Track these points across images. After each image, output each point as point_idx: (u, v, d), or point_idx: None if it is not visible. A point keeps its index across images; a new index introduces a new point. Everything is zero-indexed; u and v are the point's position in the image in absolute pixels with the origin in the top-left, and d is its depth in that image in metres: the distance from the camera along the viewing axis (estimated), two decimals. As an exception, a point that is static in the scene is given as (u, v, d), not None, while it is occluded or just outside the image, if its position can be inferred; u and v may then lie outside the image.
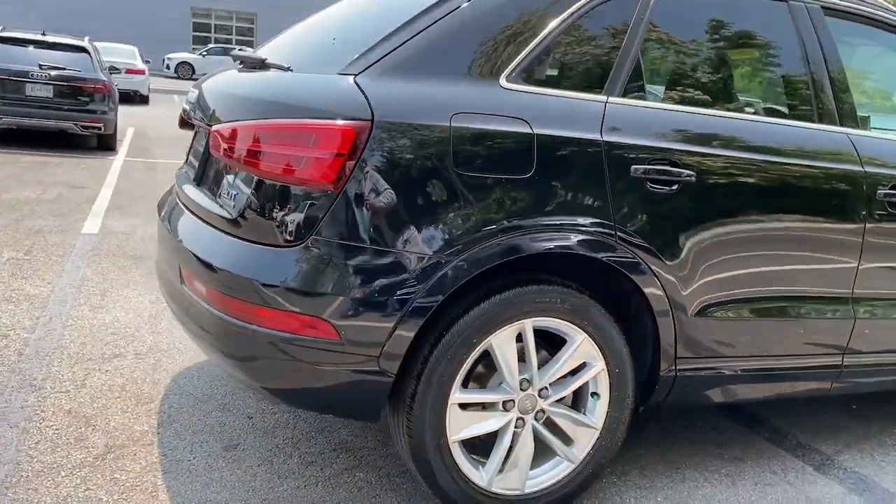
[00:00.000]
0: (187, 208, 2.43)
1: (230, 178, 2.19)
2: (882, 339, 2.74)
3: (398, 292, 1.96)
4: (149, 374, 3.18)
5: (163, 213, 2.65)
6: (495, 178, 2.03)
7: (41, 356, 3.26)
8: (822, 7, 2.65)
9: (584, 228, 2.12)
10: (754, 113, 2.55)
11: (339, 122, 1.92)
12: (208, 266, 2.09)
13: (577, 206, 2.12)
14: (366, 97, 1.96)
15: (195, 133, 2.74)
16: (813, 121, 2.57)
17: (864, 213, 2.55)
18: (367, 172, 1.93)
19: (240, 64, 2.56)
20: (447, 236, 1.99)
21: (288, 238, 1.97)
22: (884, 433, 3.18)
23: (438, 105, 2.01)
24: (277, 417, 2.86)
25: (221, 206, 2.18)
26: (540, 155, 2.07)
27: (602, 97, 2.22)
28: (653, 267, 2.22)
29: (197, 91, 2.56)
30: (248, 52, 2.62)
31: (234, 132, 2.09)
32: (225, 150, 2.11)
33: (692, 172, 2.25)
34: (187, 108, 2.72)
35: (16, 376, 3.03)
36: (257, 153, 2.01)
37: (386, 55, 2.04)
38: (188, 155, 2.78)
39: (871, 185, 2.57)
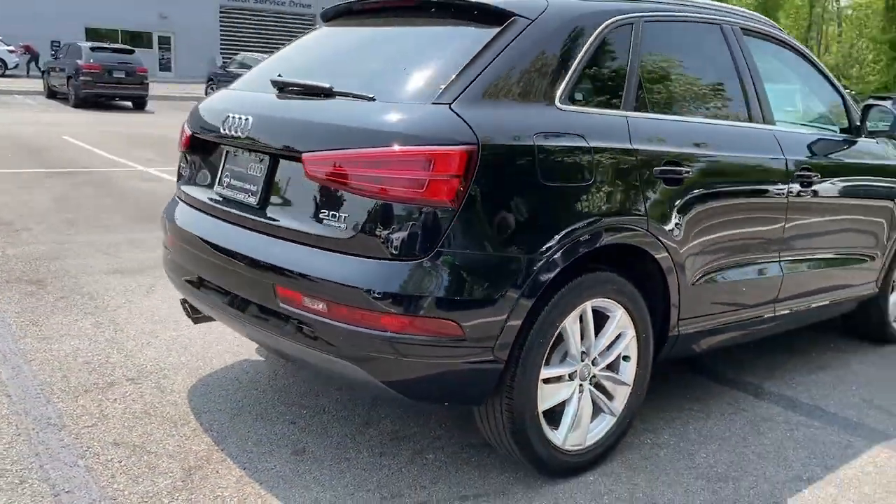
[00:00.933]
0: (259, 232, 2.54)
1: (332, 199, 2.35)
2: (798, 289, 3.51)
3: (510, 290, 2.29)
4: (159, 397, 3.18)
5: (193, 245, 2.75)
6: (569, 187, 2.43)
7: (32, 395, 3.13)
8: (742, 28, 3.32)
9: (632, 222, 2.59)
10: (714, 118, 3.15)
11: (455, 147, 2.20)
12: (328, 283, 2.27)
13: (625, 203, 2.57)
14: (468, 124, 2.25)
15: (226, 155, 2.81)
16: (752, 121, 3.23)
17: (787, 191, 3.26)
18: (479, 190, 2.23)
19: (283, 89, 2.69)
20: (542, 238, 2.35)
21: (415, 252, 2.21)
22: (795, 364, 4.00)
23: (522, 127, 2.35)
24: (318, 419, 3.04)
25: (325, 226, 2.34)
26: (596, 164, 2.50)
27: (623, 112, 2.68)
28: (667, 245, 2.74)
29: (243, 117, 2.64)
30: (289, 78, 2.72)
31: (343, 159, 2.27)
32: (331, 175, 2.29)
33: (688, 170, 2.80)
34: (207, 128, 2.80)
35: (26, 418, 2.91)
36: (376, 178, 2.23)
37: (468, 86, 2.34)
38: (218, 178, 2.83)
39: (790, 169, 3.29)
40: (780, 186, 3.23)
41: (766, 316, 3.39)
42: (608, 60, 2.72)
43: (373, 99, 2.41)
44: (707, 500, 2.60)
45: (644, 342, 2.80)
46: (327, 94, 2.52)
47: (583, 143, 2.48)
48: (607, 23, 2.71)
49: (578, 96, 2.59)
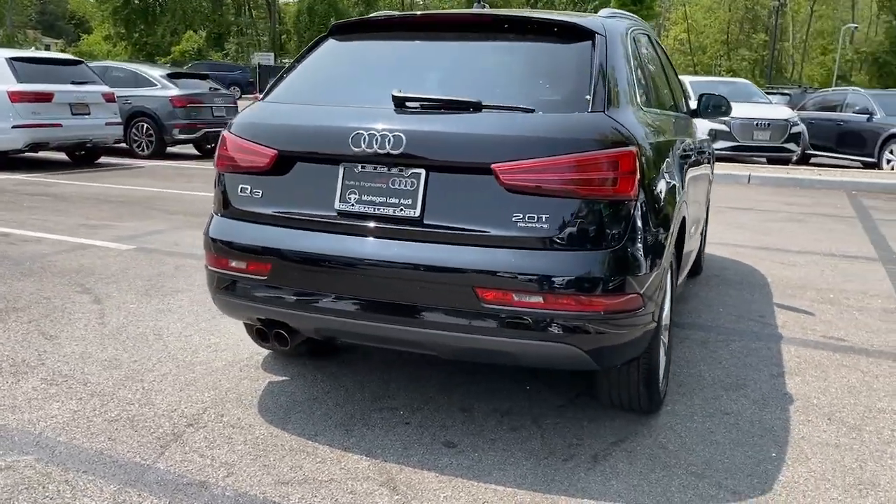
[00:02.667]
0: (430, 241, 2.67)
1: (526, 203, 2.60)
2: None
3: (665, 260, 2.83)
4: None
5: (319, 264, 2.78)
6: (671, 173, 3.03)
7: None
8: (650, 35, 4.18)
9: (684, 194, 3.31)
10: (669, 108, 3.96)
11: (629, 148, 2.65)
12: (543, 278, 2.56)
13: (682, 180, 3.25)
14: (626, 128, 2.71)
15: (344, 171, 2.80)
16: (680, 111, 4.11)
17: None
18: (644, 183, 2.72)
19: (403, 104, 2.79)
20: (672, 216, 2.92)
21: (612, 240, 2.62)
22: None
23: (647, 128, 2.87)
24: (418, 417, 3.21)
25: (522, 228, 2.59)
26: (673, 153, 3.13)
27: (656, 108, 3.35)
28: (687, 209, 3.49)
29: (388, 134, 2.69)
30: (423, 94, 2.80)
31: (540, 167, 2.57)
32: (528, 182, 2.57)
33: (677, 150, 3.56)
34: (314, 146, 2.79)
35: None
36: (572, 181, 2.57)
37: (606, 95, 2.79)
38: (339, 195, 2.80)
39: (697, 146, 4.27)
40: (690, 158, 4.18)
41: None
42: (640, 67, 3.34)
43: (533, 111, 2.71)
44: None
45: (674, 293, 3.52)
46: (476, 107, 2.73)
47: (666, 138, 3.09)
48: (631, 36, 3.33)
49: (641, 100, 3.17)
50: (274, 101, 3.15)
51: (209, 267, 3.11)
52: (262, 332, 3.08)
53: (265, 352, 3.87)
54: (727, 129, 14.48)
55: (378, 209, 2.76)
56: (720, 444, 3.01)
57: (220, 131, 14.26)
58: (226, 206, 3.06)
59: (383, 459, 2.81)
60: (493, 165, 2.61)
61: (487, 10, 3.32)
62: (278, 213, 2.92)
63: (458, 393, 3.42)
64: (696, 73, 53.45)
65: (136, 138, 13.71)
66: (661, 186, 2.94)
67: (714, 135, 14.65)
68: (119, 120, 12.52)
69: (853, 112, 14.97)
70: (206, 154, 14.64)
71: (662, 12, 57.77)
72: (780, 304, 5.07)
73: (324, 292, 2.84)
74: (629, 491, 2.64)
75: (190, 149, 14.62)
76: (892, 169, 13.67)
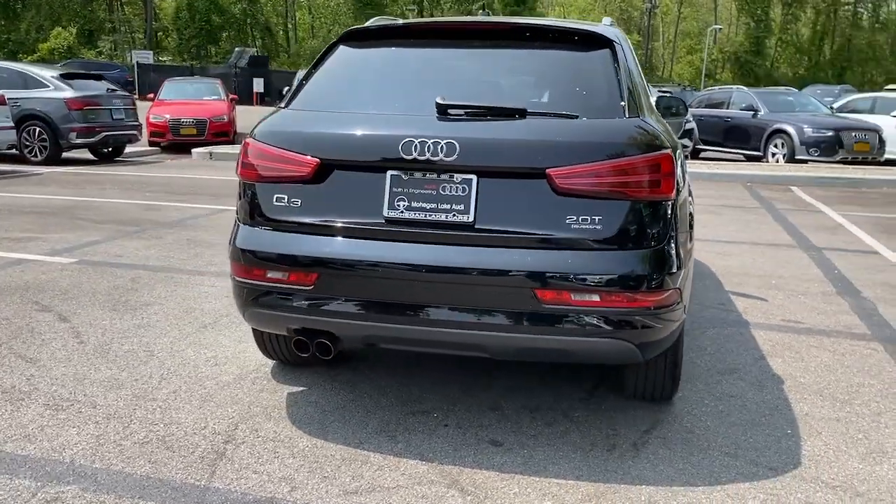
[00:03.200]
0: (485, 245, 2.73)
1: (579, 206, 2.70)
2: None
3: (691, 257, 3.01)
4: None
5: (372, 272, 2.79)
6: (684, 174, 3.22)
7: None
8: None
9: None
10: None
11: (666, 150, 2.81)
12: (602, 277, 2.68)
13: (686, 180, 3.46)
14: (658, 132, 2.87)
15: (391, 178, 2.81)
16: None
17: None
18: (678, 183, 2.88)
19: (445, 111, 2.83)
20: (691, 214, 3.11)
21: (660, 238, 2.77)
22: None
23: (665, 131, 3.04)
24: (453, 419, 3.26)
25: (577, 229, 2.69)
26: (680, 155, 3.32)
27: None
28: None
29: (439, 141, 2.73)
30: (467, 101, 2.84)
31: (592, 171, 2.68)
32: (582, 186, 2.68)
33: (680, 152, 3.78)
34: (359, 153, 2.80)
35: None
36: (623, 184, 2.70)
37: (636, 102, 2.94)
38: (388, 202, 2.81)
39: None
40: None
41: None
42: (641, 73, 3.52)
43: (577, 117, 2.82)
44: (745, 386, 3.69)
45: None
46: (521, 114, 2.82)
47: (675, 140, 3.28)
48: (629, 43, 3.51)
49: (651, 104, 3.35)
50: (301, 109, 3.11)
51: (238, 278, 3.04)
52: (302, 342, 3.04)
53: (269, 363, 3.80)
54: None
55: (429, 215, 2.79)
56: (738, 425, 3.23)
57: (122, 134, 13.57)
58: (257, 216, 3.00)
59: (439, 462, 2.85)
60: (548, 170, 2.70)
61: (507, 19, 3.40)
62: (321, 221, 2.89)
63: (481, 392, 3.49)
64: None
65: (28, 143, 12.84)
66: (683, 187, 3.12)
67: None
68: (11, 124, 11.72)
69: (739, 109, 16.02)
70: (104, 159, 13.93)
71: (545, 13, 59.46)
72: (734, 292, 5.43)
73: (374, 299, 2.84)
74: (680, 474, 2.80)
75: (85, 153, 13.84)
76: (777, 161, 14.74)
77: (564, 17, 65.55)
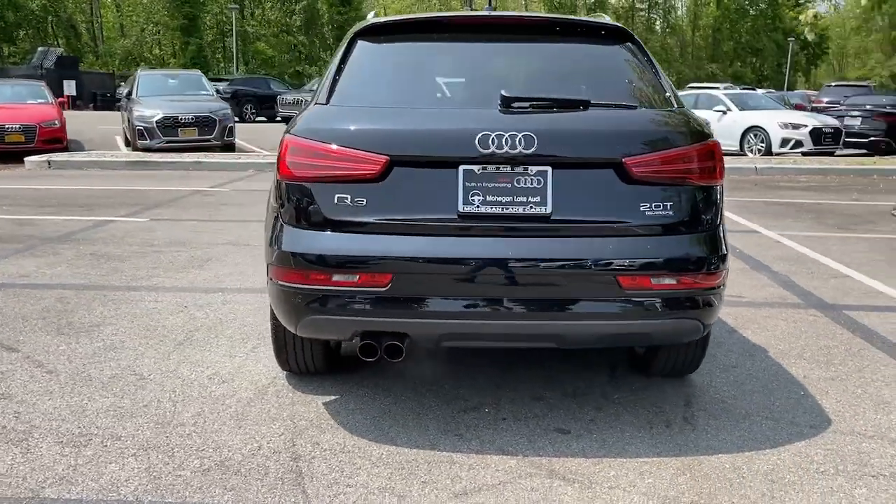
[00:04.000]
0: (564, 236, 2.77)
1: (650, 194, 2.80)
2: None
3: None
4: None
5: (451, 270, 2.75)
6: None
7: None
8: None
9: None
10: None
11: (715, 138, 2.99)
12: (678, 260, 2.80)
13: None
14: (705, 122, 3.05)
15: (464, 173, 2.76)
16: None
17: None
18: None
19: (510, 104, 2.83)
20: None
21: (718, 221, 2.94)
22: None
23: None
24: (506, 412, 3.27)
25: (649, 216, 2.80)
26: None
27: None
28: None
29: (516, 134, 2.73)
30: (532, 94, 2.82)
31: (664, 158, 2.81)
32: (654, 173, 2.80)
33: None
34: (430, 149, 2.74)
35: None
36: (688, 170, 2.85)
37: (672, 93, 3.10)
38: (462, 197, 2.76)
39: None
40: None
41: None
42: None
43: (636, 107, 2.93)
44: (737, 356, 3.99)
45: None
46: (584, 105, 2.88)
47: None
48: None
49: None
50: (350, 106, 2.98)
51: (292, 285, 2.85)
52: (370, 346, 2.91)
53: (280, 375, 3.59)
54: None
55: (506, 209, 2.78)
56: (757, 392, 3.49)
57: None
58: (313, 218, 2.83)
59: (523, 455, 2.85)
60: (624, 159, 2.78)
61: (534, 14, 3.44)
62: (391, 220, 2.79)
63: (515, 384, 3.51)
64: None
65: None
66: None
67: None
68: None
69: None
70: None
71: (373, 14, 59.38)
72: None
73: (451, 296, 2.79)
74: (742, 440, 2.99)
75: None
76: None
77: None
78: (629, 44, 3.24)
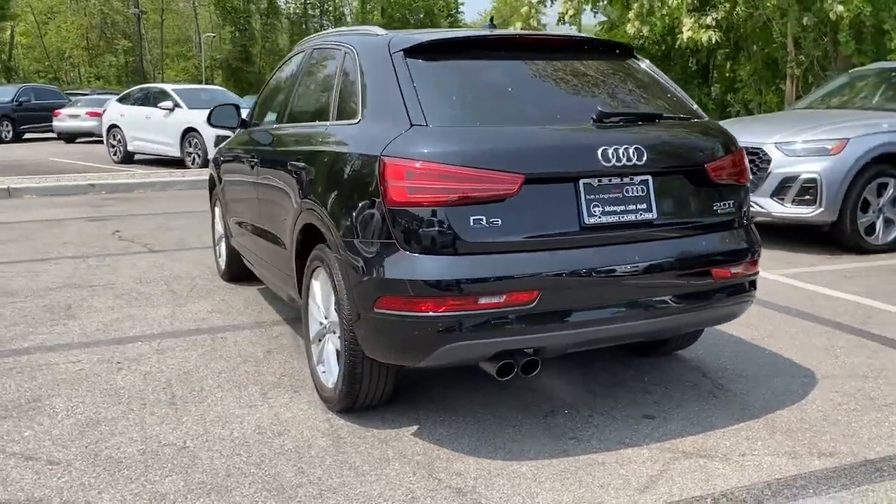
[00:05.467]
0: (667, 238, 3.05)
1: (718, 193, 3.18)
2: None
3: None
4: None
5: (585, 282, 2.89)
6: None
7: None
8: None
9: None
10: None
11: (739, 143, 3.48)
12: (744, 251, 3.23)
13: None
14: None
15: (584, 187, 2.89)
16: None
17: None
18: None
19: (602, 119, 3.03)
20: None
21: (748, 213, 3.41)
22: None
23: None
24: (582, 407, 3.44)
25: (719, 213, 3.17)
26: None
27: None
28: None
29: (629, 148, 2.94)
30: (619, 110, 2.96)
31: (730, 161, 3.21)
32: (726, 175, 3.19)
33: None
34: (557, 166, 2.86)
35: None
36: (743, 171, 3.29)
37: (696, 106, 3.54)
38: (585, 210, 2.87)
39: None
40: None
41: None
42: None
43: (691, 118, 3.29)
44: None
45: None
46: (658, 118, 3.18)
47: None
48: None
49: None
50: (461, 126, 2.96)
51: (432, 314, 2.74)
52: (508, 365, 2.88)
53: (330, 415, 3.34)
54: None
55: (621, 217, 2.97)
56: (770, 367, 3.90)
57: None
58: (448, 242, 2.75)
59: (644, 444, 3.06)
60: (706, 165, 3.13)
61: (555, 34, 3.60)
62: (528, 237, 2.83)
63: (553, 387, 3.67)
64: (54, 80, 50.57)
65: None
66: None
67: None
68: None
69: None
70: None
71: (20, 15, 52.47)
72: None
73: (586, 305, 2.90)
74: (794, 395, 3.52)
75: None
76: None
77: (37, 23, 58.98)
78: (643, 60, 3.60)
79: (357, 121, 3.24)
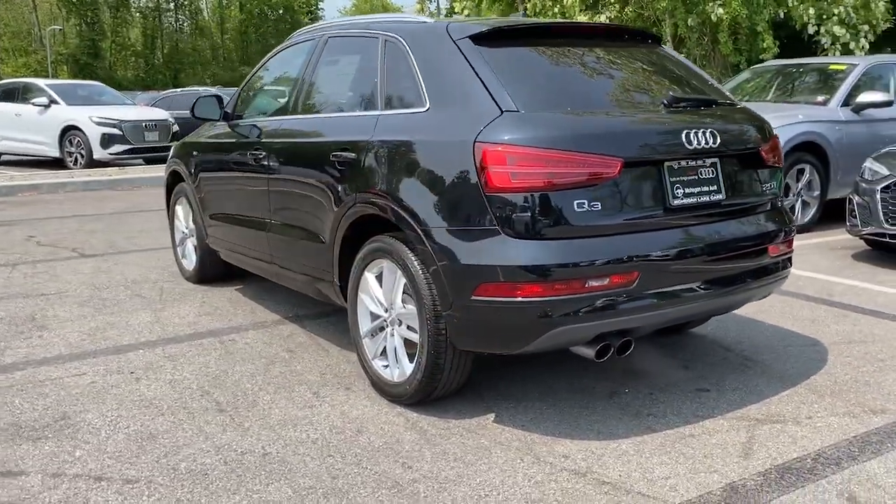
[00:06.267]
0: (735, 217, 3.21)
1: (762, 175, 3.36)
2: None
3: None
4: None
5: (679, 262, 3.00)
6: None
7: None
8: None
9: None
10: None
11: (766, 130, 3.71)
12: (788, 231, 3.45)
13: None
14: None
15: (667, 170, 2.97)
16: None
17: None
18: None
19: (671, 105, 3.14)
20: None
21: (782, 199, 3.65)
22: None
23: None
24: (639, 385, 3.55)
25: (764, 194, 3.36)
26: None
27: None
28: None
29: (706, 131, 3.07)
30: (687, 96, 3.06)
31: (772, 146, 3.41)
32: (773, 157, 3.38)
33: None
34: (649, 150, 2.94)
35: None
36: (780, 155, 3.50)
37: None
38: (670, 193, 2.97)
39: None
40: None
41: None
42: None
43: (734, 103, 3.46)
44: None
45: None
46: (714, 104, 3.33)
47: None
48: None
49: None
50: (555, 112, 2.96)
51: (540, 299, 2.74)
52: (607, 347, 2.93)
53: (400, 408, 3.26)
54: (120, 133, 14.11)
55: (697, 199, 3.09)
56: (779, 338, 4.19)
57: None
58: (554, 226, 2.77)
59: (710, 416, 3.19)
60: (760, 148, 3.31)
61: (596, 22, 3.66)
62: (627, 220, 2.89)
63: (596, 371, 3.76)
64: None
65: None
66: None
67: (108, 138, 14.06)
68: None
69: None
70: None
71: None
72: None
73: (677, 284, 3.00)
74: (823, 376, 3.76)
75: None
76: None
77: None
78: (668, 48, 3.74)
79: (424, 109, 3.16)
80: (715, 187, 3.17)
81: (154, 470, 2.78)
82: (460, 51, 3.12)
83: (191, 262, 5.50)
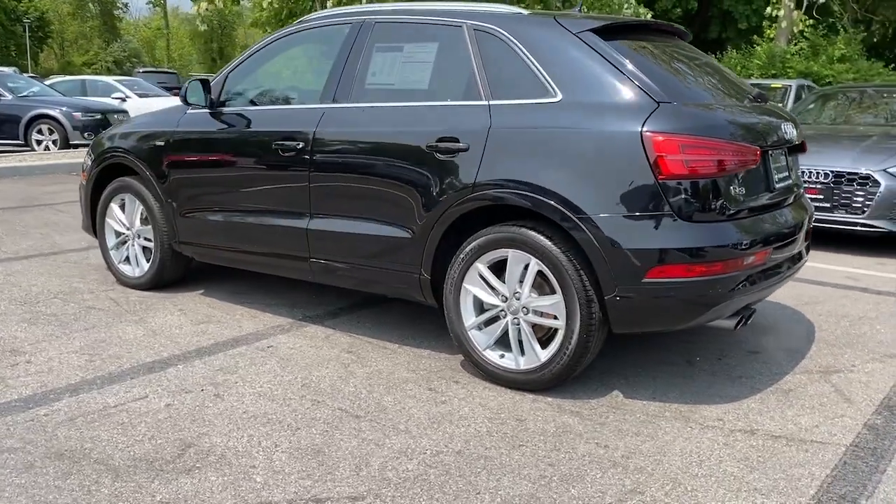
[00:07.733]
0: (800, 199, 3.70)
1: (798, 165, 3.91)
2: None
3: None
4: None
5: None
6: None
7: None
8: None
9: None
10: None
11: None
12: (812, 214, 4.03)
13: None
14: None
15: (769, 158, 3.37)
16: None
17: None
18: None
19: (754, 100, 3.55)
20: None
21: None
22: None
23: None
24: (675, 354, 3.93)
25: (803, 184, 3.91)
26: None
27: None
28: None
29: (789, 124, 3.48)
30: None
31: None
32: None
33: None
34: (766, 140, 3.33)
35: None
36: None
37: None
38: (773, 179, 3.37)
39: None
40: None
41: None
42: None
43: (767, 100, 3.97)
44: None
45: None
46: (767, 100, 3.80)
47: None
48: None
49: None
50: (701, 104, 3.25)
51: (717, 276, 3.01)
52: (740, 318, 3.23)
53: (510, 392, 3.32)
54: None
55: (783, 183, 3.54)
56: (783, 330, 4.86)
57: None
58: (721, 210, 3.05)
59: (790, 371, 3.69)
60: (804, 141, 3.83)
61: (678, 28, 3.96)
62: (757, 203, 3.24)
63: (627, 348, 4.09)
64: None
65: None
66: None
67: None
68: None
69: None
70: None
71: None
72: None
73: (781, 260, 3.41)
74: (868, 339, 4.42)
75: None
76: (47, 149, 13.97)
77: None
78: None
79: (555, 99, 3.21)
80: (786, 173, 3.65)
81: (366, 483, 2.58)
82: (586, 44, 3.23)
83: (139, 266, 4.88)
